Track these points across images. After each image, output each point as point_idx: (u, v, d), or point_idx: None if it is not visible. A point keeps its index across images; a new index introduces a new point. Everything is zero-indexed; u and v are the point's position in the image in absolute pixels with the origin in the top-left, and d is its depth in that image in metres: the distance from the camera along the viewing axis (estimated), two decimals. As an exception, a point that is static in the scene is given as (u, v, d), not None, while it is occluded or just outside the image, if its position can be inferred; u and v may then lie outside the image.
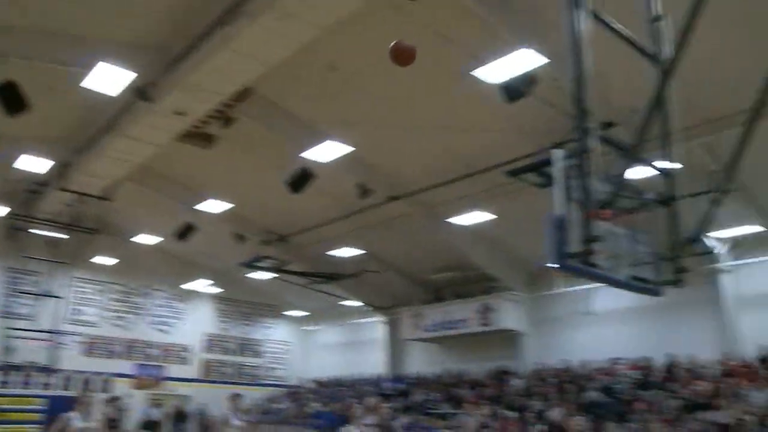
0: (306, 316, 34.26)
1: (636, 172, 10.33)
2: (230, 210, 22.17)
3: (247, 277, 28.11)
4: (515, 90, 12.50)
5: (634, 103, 7.47)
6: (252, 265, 23.03)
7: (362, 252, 23.50)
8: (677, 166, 7.42)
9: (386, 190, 19.10)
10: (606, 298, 20.67)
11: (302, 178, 16.70)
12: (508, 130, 15.69)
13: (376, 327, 30.26)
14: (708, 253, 16.58)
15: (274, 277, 25.74)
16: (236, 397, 15.10)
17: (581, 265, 5.89)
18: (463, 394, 23.24)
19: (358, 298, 28.29)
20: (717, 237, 18.97)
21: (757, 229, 18.45)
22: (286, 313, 34.24)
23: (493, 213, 19.12)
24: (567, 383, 21.04)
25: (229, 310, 33.90)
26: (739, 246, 19.63)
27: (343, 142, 16.20)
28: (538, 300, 24.15)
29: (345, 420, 23.43)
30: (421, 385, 25.11)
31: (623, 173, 6.29)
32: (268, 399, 32.67)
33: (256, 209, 22.91)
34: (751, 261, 19.44)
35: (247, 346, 34.39)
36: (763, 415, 15.60)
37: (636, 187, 7.21)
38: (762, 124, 6.84)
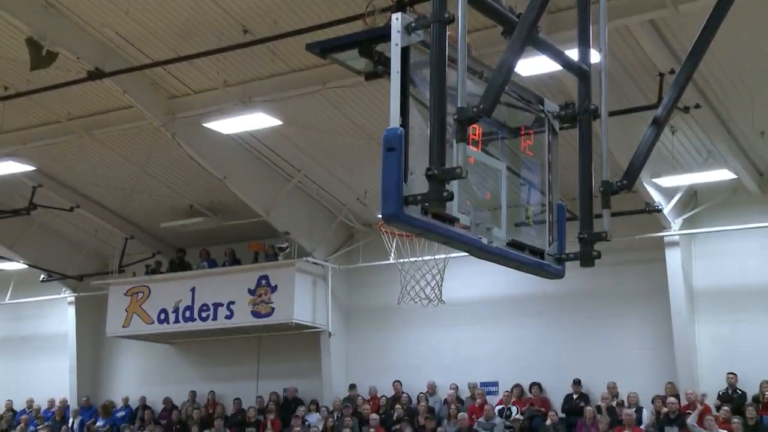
0: None
1: (530, 67, 10.80)
2: None
3: None
4: None
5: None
6: None
7: (34, 169, 17.67)
8: (600, 59, 5.65)
9: (88, 58, 14.66)
10: (470, 282, 17.04)
11: None
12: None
13: (56, 311, 22.84)
14: (645, 210, 15.47)
15: None
16: None
17: (428, 217, 4.18)
18: None
19: (22, 256, 21.09)
20: (662, 185, 15.89)
21: (728, 175, 15.63)
22: None
23: (281, 117, 15.36)
24: (400, 422, 16.97)
25: None
26: (697, 203, 16.67)
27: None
28: (353, 277, 19.54)
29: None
30: (142, 425, 20.05)
31: (510, 66, 4.69)
32: None
33: None
34: (717, 230, 16.57)
35: None
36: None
37: (528, 90, 5.58)
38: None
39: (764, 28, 12.84)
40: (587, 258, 5.21)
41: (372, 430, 16.66)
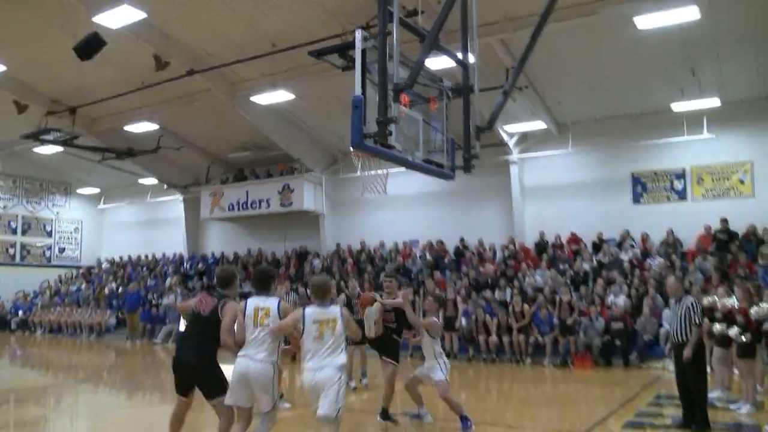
0: (100, 193, 32.82)
1: (435, 62, 10.77)
2: (5, 73, 20.16)
3: (32, 152, 26.23)
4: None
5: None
6: (37, 138, 20.94)
7: (159, 128, 22.53)
8: (473, 59, 7.50)
9: (185, 64, 18.25)
10: (403, 183, 21.39)
11: (93, 43, 14.98)
12: (315, 10, 15.64)
13: (174, 206, 29.71)
14: (499, 144, 19.62)
15: (64, 152, 24.31)
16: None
17: (378, 146, 5.91)
18: None
19: (155, 176, 27.54)
20: (507, 130, 20.59)
21: (542, 126, 20.00)
22: (78, 190, 33.03)
23: (295, 93, 18.80)
24: (364, 263, 22.50)
25: (9, 186, 31.33)
26: (526, 140, 21.33)
27: (138, 7, 14.58)
28: (337, 182, 24.67)
29: (144, 301, 23.14)
30: (221, 265, 24.37)
31: (423, 60, 6.21)
32: (60, 280, 31.21)
33: (38, 74, 21.05)
34: (536, 155, 21.23)
35: (35, 226, 32.10)
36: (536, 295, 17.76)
37: (434, 75, 7.21)
38: (551, 27, 7.29)
39: (566, 41, 15.60)
40: (467, 168, 7.36)
41: (348, 267, 22.17)
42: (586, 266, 18.86)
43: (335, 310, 5.96)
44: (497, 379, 14.79)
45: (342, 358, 5.88)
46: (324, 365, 5.75)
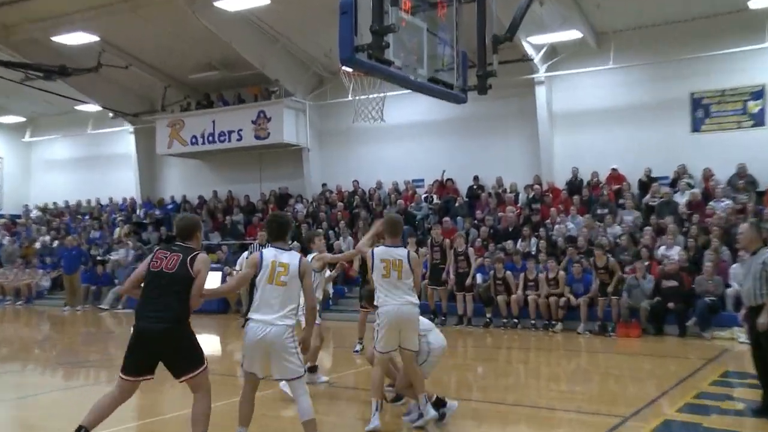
0: (25, 123, 32.72)
1: None
2: None
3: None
4: None
5: None
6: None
7: (99, 40, 22.46)
8: None
9: None
10: (405, 109, 21.97)
11: None
12: None
13: (122, 139, 30.10)
14: (522, 59, 20.00)
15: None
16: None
17: (372, 61, 6.03)
18: (236, 222, 24.57)
19: (97, 101, 27.04)
20: (533, 42, 20.59)
21: (576, 35, 19.94)
22: (-5, 119, 32.58)
23: None
24: (358, 208, 22.71)
25: None
26: (556, 54, 21.22)
27: None
28: (324, 109, 25.12)
29: (87, 258, 23.19)
30: (183, 212, 25.49)
31: None
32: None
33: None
34: (568, 73, 21.27)
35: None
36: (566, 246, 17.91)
37: None
38: None
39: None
40: (483, 88, 7.54)
41: (339, 213, 22.58)
42: (630, 212, 18.97)
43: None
44: (521, 348, 14.91)
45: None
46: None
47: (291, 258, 6.59)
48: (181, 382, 6.34)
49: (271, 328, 6.40)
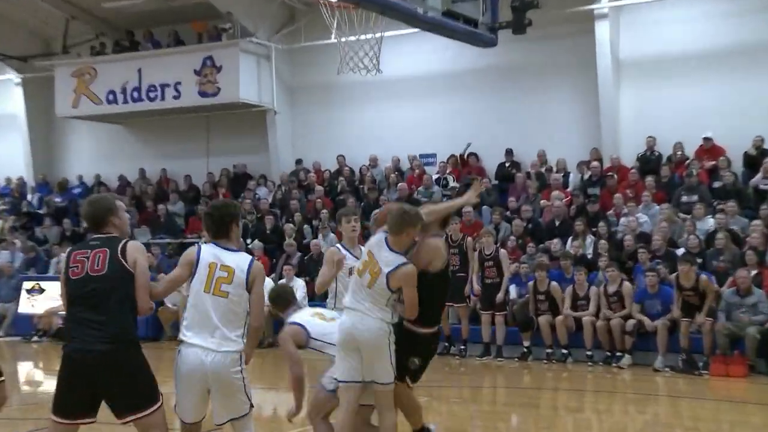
0: None
1: None
2: None
3: None
4: None
5: None
6: None
7: None
8: None
9: None
10: (409, 57, 22.10)
11: None
12: None
13: (5, 93, 29.70)
14: None
15: None
16: None
17: None
18: (174, 213, 24.46)
19: None
20: None
21: None
22: None
23: None
24: (344, 194, 22.45)
25: None
26: None
27: None
28: (297, 55, 25.14)
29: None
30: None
31: None
32: None
33: None
34: (641, 2, 21.42)
35: None
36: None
37: None
38: None
39: None
40: (519, 25, 8.03)
41: (318, 200, 22.16)
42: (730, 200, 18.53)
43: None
44: (572, 391, 14.91)
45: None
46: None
47: (238, 260, 6.66)
48: (124, 423, 6.37)
49: (210, 355, 6.46)
